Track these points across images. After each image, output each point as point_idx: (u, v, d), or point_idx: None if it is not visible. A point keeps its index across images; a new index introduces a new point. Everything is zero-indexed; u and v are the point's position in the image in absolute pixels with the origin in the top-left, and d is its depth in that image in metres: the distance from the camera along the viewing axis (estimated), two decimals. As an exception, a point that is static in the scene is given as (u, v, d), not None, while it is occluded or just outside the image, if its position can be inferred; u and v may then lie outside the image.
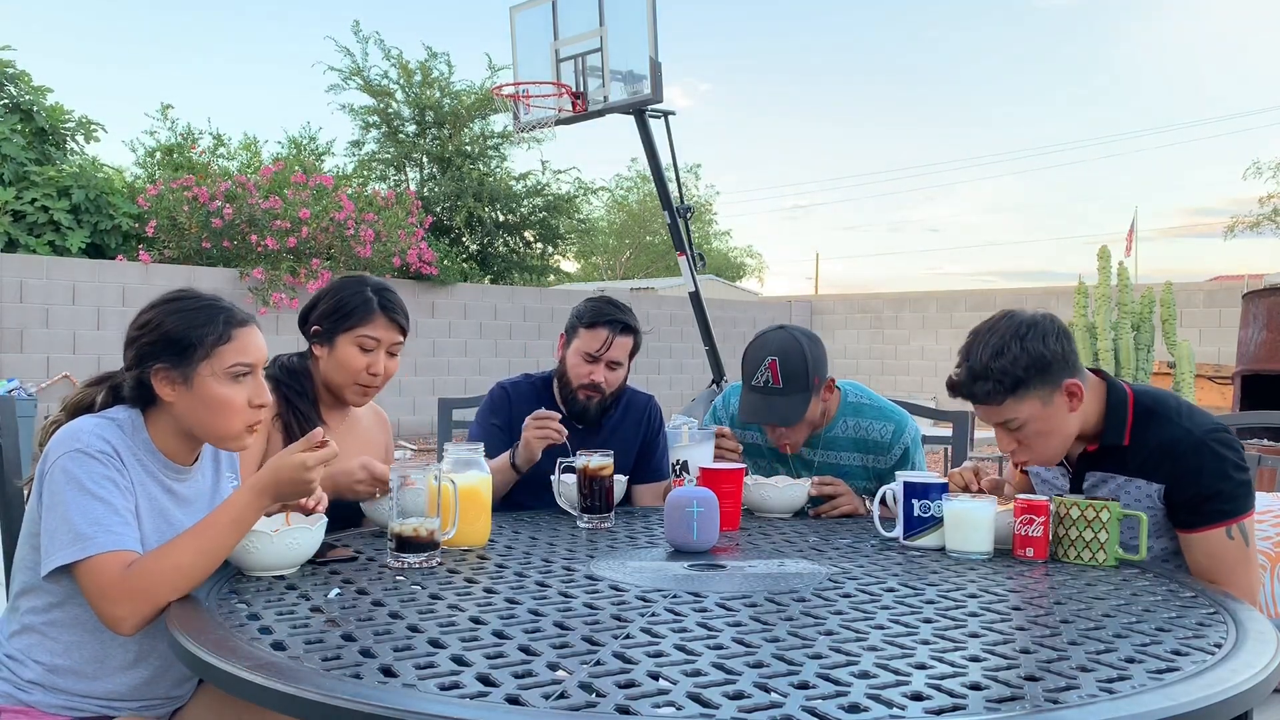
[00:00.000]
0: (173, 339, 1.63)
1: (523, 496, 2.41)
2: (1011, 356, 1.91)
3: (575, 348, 2.52)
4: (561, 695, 1.08)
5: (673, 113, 8.02)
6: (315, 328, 2.25)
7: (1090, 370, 2.04)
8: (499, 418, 2.57)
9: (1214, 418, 1.97)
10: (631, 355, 2.57)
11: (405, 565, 1.72)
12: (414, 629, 1.34)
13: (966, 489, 2.06)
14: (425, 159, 15.60)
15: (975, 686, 1.14)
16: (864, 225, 66.99)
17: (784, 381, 2.40)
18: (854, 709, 1.06)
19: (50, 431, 1.67)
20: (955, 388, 1.99)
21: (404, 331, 2.26)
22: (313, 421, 2.19)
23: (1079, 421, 1.98)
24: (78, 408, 1.72)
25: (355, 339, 2.20)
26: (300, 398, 2.22)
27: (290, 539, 1.65)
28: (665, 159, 8.09)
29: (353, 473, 2.01)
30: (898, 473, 2.08)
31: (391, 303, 2.24)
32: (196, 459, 1.76)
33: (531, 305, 13.08)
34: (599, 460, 2.18)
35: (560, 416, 2.32)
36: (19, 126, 10.79)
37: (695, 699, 1.08)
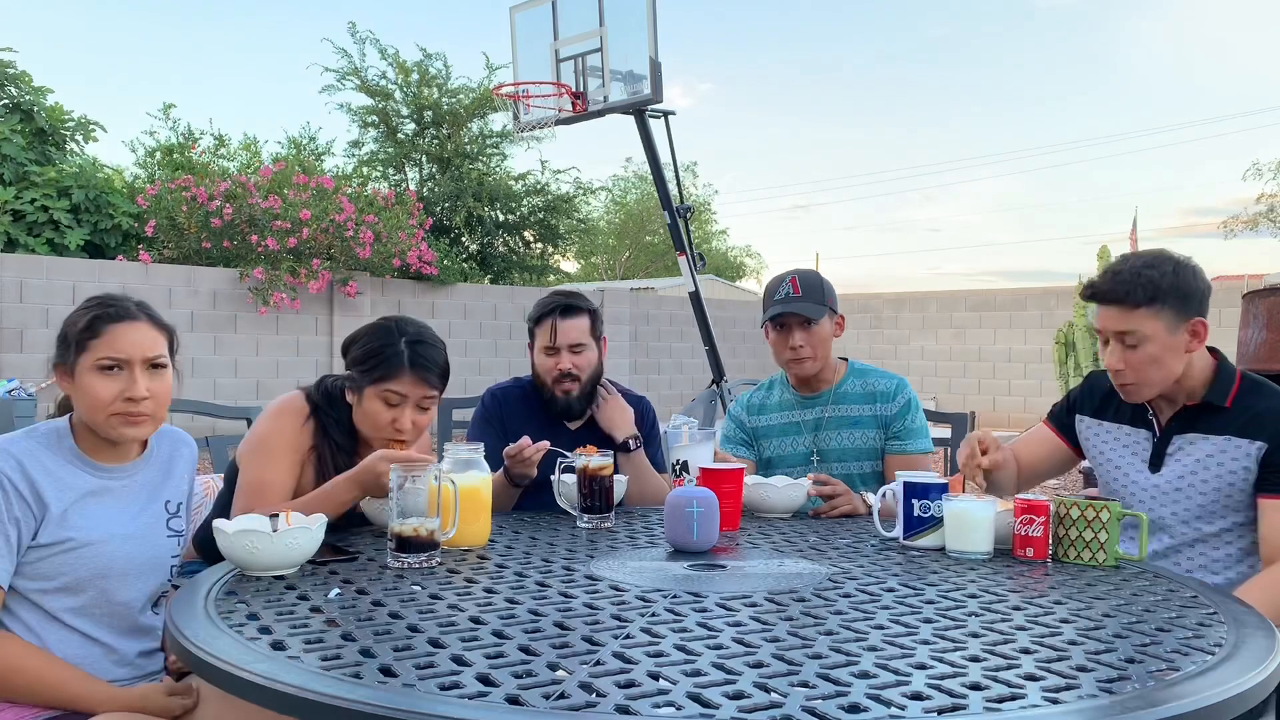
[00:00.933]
0: (62, 337, 1.74)
1: (522, 497, 2.41)
2: (1162, 270, 1.98)
3: (536, 349, 2.57)
4: (561, 695, 1.08)
5: (673, 113, 8.01)
6: (349, 372, 2.13)
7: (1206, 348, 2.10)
8: (493, 426, 2.57)
9: None
10: (595, 336, 2.57)
11: (405, 565, 1.72)
12: (414, 629, 1.34)
13: (970, 459, 2.09)
14: (425, 159, 15.59)
15: (975, 686, 1.14)
16: (864, 225, 67.02)
17: (804, 291, 2.67)
18: (854, 709, 1.06)
19: None
20: (1096, 285, 2.03)
21: (436, 385, 2.10)
22: (347, 452, 2.11)
23: (1184, 369, 2.03)
24: (63, 406, 1.85)
25: (381, 393, 2.06)
26: (336, 426, 2.12)
27: (290, 539, 1.65)
28: (665, 159, 8.09)
29: (378, 471, 1.94)
30: (898, 472, 2.08)
31: (424, 358, 2.08)
32: (136, 457, 1.82)
33: (531, 305, 13.08)
34: (599, 460, 2.18)
35: (546, 447, 2.27)
36: (19, 127, 10.79)
37: (695, 699, 1.08)
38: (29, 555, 1.66)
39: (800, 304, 2.64)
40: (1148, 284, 1.97)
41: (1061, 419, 2.35)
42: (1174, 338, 1.99)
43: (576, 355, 2.52)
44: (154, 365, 1.74)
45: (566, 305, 2.54)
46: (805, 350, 2.65)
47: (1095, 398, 2.28)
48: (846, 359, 2.82)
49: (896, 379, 2.77)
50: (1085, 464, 2.36)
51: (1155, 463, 2.14)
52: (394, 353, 2.07)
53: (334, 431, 2.11)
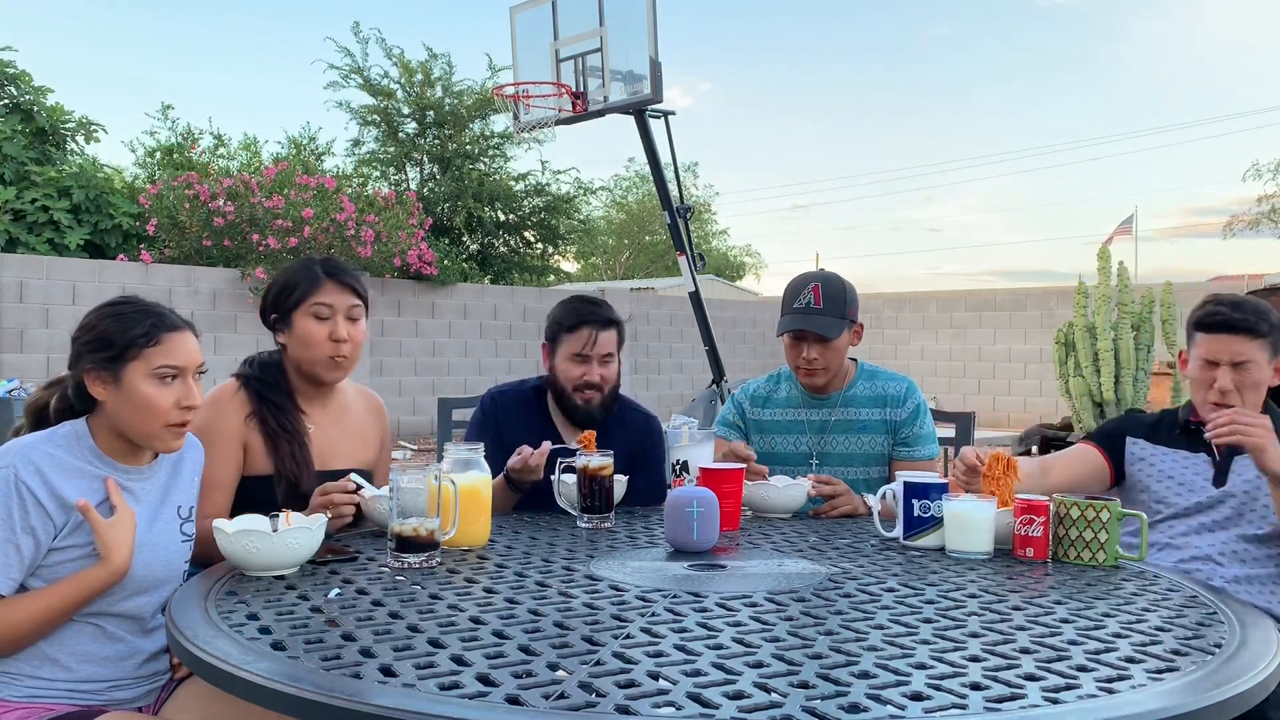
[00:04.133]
0: (106, 340, 1.70)
1: (522, 498, 2.40)
2: (1266, 309, 2.23)
3: (562, 354, 2.52)
4: (561, 695, 1.08)
5: (673, 113, 8.01)
6: (273, 315, 2.22)
7: None
8: (489, 432, 2.55)
9: None
10: (619, 347, 2.58)
11: (405, 565, 1.72)
12: (414, 629, 1.34)
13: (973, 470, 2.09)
14: (425, 159, 15.60)
15: (975, 686, 1.14)
16: (864, 225, 67.02)
17: (824, 303, 2.61)
18: (854, 709, 1.06)
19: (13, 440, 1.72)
20: (1224, 315, 2.20)
21: (358, 294, 2.21)
22: (287, 412, 2.17)
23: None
24: (35, 409, 1.80)
25: (309, 310, 2.16)
26: (274, 390, 2.18)
27: (290, 539, 1.65)
28: (665, 159, 8.09)
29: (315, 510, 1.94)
30: (898, 473, 2.08)
31: (338, 268, 2.21)
32: (153, 460, 1.80)
33: (531, 305, 13.08)
34: (599, 460, 2.18)
35: (549, 448, 2.28)
36: (20, 127, 10.79)
37: (695, 699, 1.08)
38: (50, 558, 1.65)
39: (819, 319, 2.58)
40: (1266, 320, 2.20)
41: (1107, 442, 2.40)
42: (1269, 368, 2.21)
43: (604, 367, 2.52)
44: (200, 374, 1.78)
45: (607, 319, 2.53)
46: (818, 363, 2.61)
47: (1145, 425, 2.39)
48: (856, 359, 2.78)
49: (906, 382, 2.73)
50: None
51: (1219, 480, 2.23)
52: (309, 272, 2.19)
53: (270, 393, 2.18)
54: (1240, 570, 2.12)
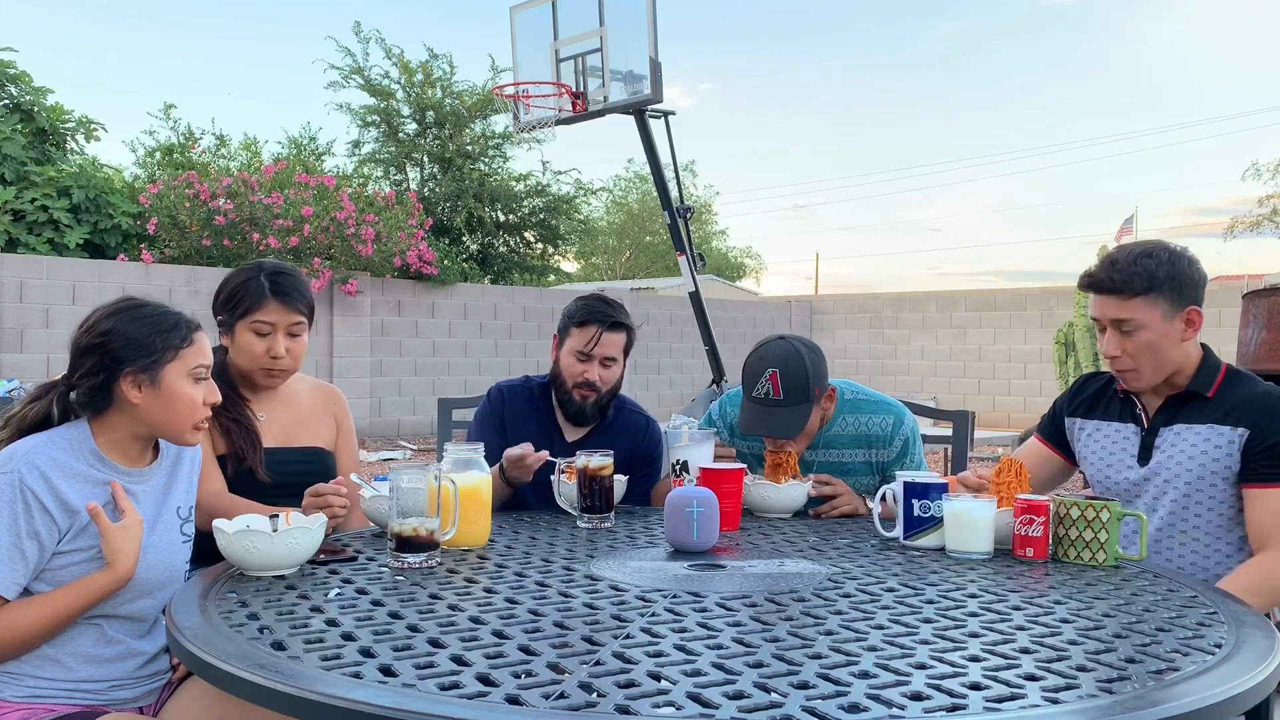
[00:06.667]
0: (141, 344, 1.70)
1: (525, 492, 2.41)
2: (1159, 260, 2.03)
3: (568, 347, 2.53)
4: (561, 695, 1.08)
5: (673, 113, 8.01)
6: (220, 317, 2.27)
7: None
8: (492, 423, 2.56)
9: None
10: (626, 352, 2.56)
11: (405, 565, 1.72)
12: (414, 629, 1.34)
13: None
14: (426, 159, 15.60)
15: (975, 686, 1.14)
16: (864, 225, 67.04)
17: (785, 394, 2.38)
18: (854, 709, 1.06)
19: None
20: (1093, 275, 2.08)
21: (302, 312, 2.24)
22: (231, 401, 2.20)
23: (1181, 358, 2.07)
24: (29, 424, 1.74)
25: (250, 325, 2.20)
26: (216, 378, 2.21)
27: (290, 539, 1.65)
28: (665, 159, 8.09)
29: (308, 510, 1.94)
30: (898, 473, 2.08)
31: (284, 286, 2.22)
32: (152, 461, 1.80)
33: (531, 305, 13.09)
34: (599, 460, 2.18)
35: (547, 457, 2.27)
36: (20, 127, 10.78)
37: (695, 699, 1.08)
38: (54, 561, 1.65)
39: (778, 416, 2.38)
40: (1144, 273, 2.02)
41: (1049, 430, 2.36)
42: (1169, 325, 2.04)
43: (605, 369, 2.51)
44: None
45: (615, 321, 2.52)
46: (788, 446, 2.43)
47: (1084, 398, 2.31)
48: (834, 386, 2.54)
49: (893, 414, 2.54)
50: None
51: (1144, 456, 2.15)
52: (256, 286, 2.21)
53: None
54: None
